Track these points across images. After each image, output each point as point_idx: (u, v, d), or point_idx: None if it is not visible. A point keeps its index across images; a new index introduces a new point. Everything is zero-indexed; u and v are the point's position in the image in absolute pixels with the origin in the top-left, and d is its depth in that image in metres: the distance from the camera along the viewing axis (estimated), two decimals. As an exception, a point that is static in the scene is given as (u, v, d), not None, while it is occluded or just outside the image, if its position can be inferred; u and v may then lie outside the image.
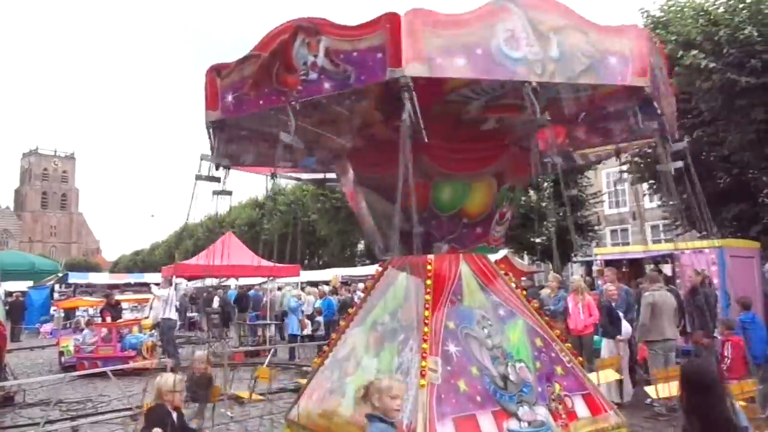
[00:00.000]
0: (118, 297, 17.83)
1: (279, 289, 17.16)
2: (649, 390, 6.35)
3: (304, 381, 5.47)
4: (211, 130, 4.12)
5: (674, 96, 4.91)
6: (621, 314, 8.36)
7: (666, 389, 5.69)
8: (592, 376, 5.32)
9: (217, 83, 4.00)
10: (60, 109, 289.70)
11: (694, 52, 11.75)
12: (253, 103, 3.80)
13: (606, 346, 8.41)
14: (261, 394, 7.75)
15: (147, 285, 27.62)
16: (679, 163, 4.35)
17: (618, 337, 8.18)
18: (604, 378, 6.29)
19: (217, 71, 3.99)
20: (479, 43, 3.30)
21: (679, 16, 13.13)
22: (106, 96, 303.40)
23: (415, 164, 4.26)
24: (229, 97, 3.92)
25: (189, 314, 22.40)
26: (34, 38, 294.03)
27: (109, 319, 12.94)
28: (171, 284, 13.45)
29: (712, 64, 11.55)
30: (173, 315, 12.92)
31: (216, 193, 4.16)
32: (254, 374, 7.89)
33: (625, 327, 8.29)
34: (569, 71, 3.45)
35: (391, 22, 3.21)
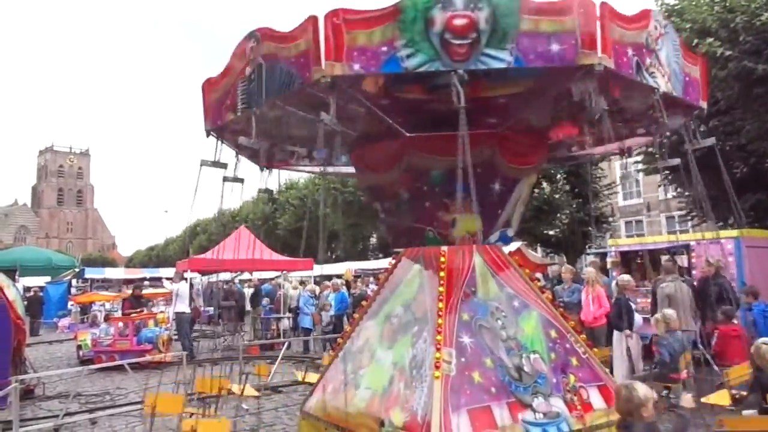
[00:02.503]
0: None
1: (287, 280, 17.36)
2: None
3: (317, 374, 5.49)
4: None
5: (698, 66, 4.54)
6: (633, 307, 8.25)
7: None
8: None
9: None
10: (75, 107, 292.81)
11: (710, 39, 11.53)
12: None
13: (615, 338, 8.30)
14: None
15: (161, 280, 27.81)
16: (712, 140, 4.27)
17: (626, 331, 8.07)
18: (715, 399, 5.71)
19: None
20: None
21: (694, 3, 12.89)
22: (120, 93, 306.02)
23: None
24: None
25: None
26: (48, 37, 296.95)
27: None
28: (182, 278, 13.54)
29: (728, 52, 11.33)
30: (186, 308, 13.03)
31: (261, 191, 4.23)
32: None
33: (637, 320, 8.18)
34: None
35: None
